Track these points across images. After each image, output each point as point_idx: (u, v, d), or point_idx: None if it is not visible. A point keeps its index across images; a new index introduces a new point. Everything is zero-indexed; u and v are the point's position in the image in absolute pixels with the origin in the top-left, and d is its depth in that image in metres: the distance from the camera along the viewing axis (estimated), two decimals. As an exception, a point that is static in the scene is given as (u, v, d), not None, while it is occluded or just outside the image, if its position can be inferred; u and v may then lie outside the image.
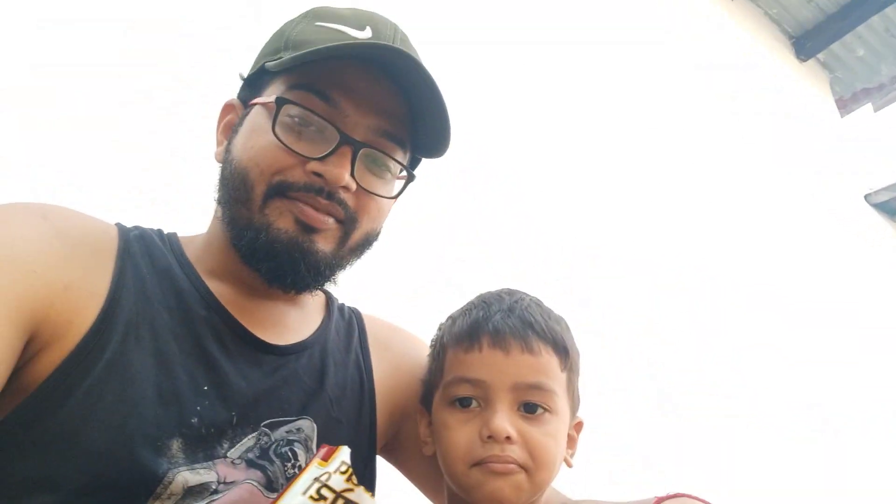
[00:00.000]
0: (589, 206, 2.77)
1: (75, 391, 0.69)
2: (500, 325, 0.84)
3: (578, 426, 0.92)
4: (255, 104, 0.85)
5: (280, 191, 0.80)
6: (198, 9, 2.03)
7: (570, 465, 0.89)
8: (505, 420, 0.80)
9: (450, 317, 0.93)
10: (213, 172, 0.91)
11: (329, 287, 0.92)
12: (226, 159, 0.86)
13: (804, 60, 4.30)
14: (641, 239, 2.85)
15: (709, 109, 3.50)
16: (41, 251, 0.72)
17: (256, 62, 0.91)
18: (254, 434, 0.80)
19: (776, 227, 3.44)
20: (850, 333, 3.38)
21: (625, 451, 2.32)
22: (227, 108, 0.93)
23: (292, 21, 0.89)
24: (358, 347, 0.99)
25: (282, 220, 0.80)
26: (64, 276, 0.73)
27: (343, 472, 0.65)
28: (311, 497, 0.63)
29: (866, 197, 4.22)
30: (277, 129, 0.80)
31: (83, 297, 0.74)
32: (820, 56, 4.38)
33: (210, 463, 0.75)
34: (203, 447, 0.75)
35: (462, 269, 2.06)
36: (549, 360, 0.84)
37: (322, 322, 0.96)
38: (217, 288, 0.86)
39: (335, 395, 0.90)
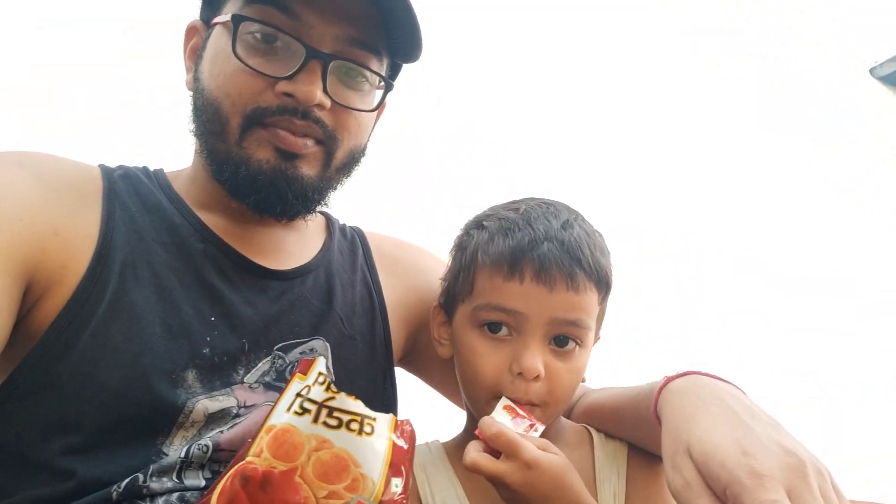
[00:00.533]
0: (573, 171, 2.76)
1: (82, 334, 0.70)
2: (546, 257, 0.78)
3: (596, 341, 0.89)
4: (216, 24, 0.81)
5: (255, 119, 0.77)
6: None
7: (583, 381, 0.88)
8: (537, 358, 0.77)
9: (481, 224, 0.86)
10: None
11: (323, 209, 0.90)
12: (196, 88, 0.82)
13: None
14: (625, 203, 2.85)
15: (694, 74, 3.48)
16: (23, 198, 0.72)
17: None
18: (268, 358, 0.80)
19: (765, 191, 3.44)
20: (846, 299, 3.42)
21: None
22: (191, 30, 0.89)
23: None
24: (364, 265, 0.98)
25: (261, 151, 0.77)
26: (51, 220, 0.73)
27: (321, 384, 0.64)
28: (296, 412, 0.62)
29: (871, 71, 3.95)
30: (239, 51, 0.76)
31: (75, 239, 0.74)
32: None
33: (228, 389, 0.76)
34: (218, 375, 0.76)
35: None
36: (591, 296, 0.81)
37: (324, 244, 0.95)
38: (210, 219, 0.84)
39: (345, 313, 0.90)
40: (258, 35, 0.76)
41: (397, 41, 0.82)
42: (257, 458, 0.60)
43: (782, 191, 3.58)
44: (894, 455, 2.90)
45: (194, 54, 0.86)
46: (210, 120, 0.79)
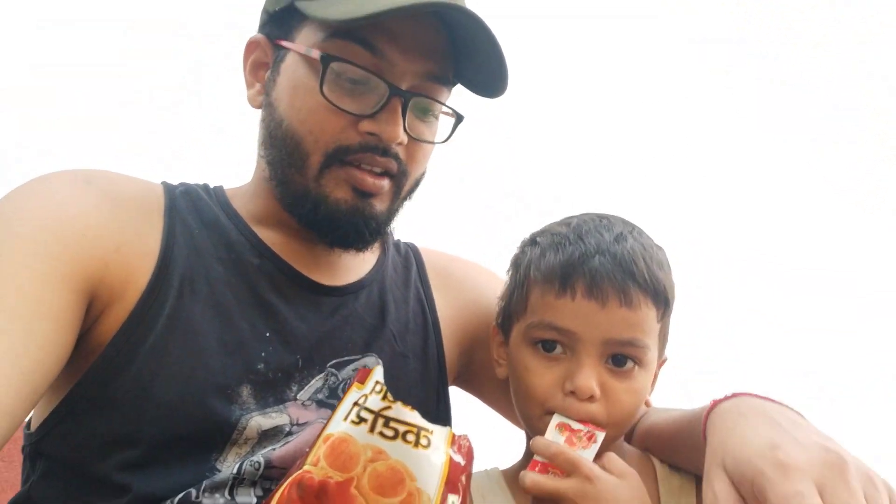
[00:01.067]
0: (581, 179, 2.75)
1: (140, 349, 0.71)
2: (597, 271, 0.75)
3: (661, 363, 0.86)
4: (291, 50, 0.81)
5: (336, 157, 0.78)
6: (198, 8, 2.00)
7: (648, 405, 0.85)
8: (591, 377, 0.74)
9: (535, 240, 0.84)
10: (214, 172, 0.90)
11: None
12: (270, 115, 0.82)
13: None
14: (634, 213, 2.84)
15: (703, 83, 3.48)
16: (89, 215, 0.73)
17: (272, 3, 0.85)
18: (321, 375, 0.80)
19: (770, 198, 3.43)
20: (846, 300, 3.40)
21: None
22: (252, 44, 0.87)
23: None
24: (417, 281, 0.98)
25: (339, 191, 0.79)
26: (115, 237, 0.74)
27: (378, 392, 0.63)
28: (353, 421, 0.61)
29: None
30: (326, 90, 0.76)
31: (136, 256, 0.75)
32: None
33: (281, 406, 0.76)
34: (272, 392, 0.76)
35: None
36: (648, 313, 0.76)
37: (378, 260, 0.95)
38: (266, 235, 0.85)
39: (398, 330, 0.89)
40: (345, 75, 0.76)
41: (478, 75, 0.84)
42: (314, 466, 0.59)
43: (786, 194, 3.57)
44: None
45: (257, 71, 0.86)
46: (290, 153, 0.79)
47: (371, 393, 0.63)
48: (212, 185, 0.91)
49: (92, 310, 0.71)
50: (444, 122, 0.87)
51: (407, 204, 0.89)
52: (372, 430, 0.60)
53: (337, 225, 0.80)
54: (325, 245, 0.85)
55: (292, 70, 0.80)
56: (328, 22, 0.76)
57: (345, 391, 0.70)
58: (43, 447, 0.74)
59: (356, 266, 0.92)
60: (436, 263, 1.02)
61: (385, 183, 0.80)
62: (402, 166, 0.81)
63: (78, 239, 0.70)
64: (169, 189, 0.85)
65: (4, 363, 0.61)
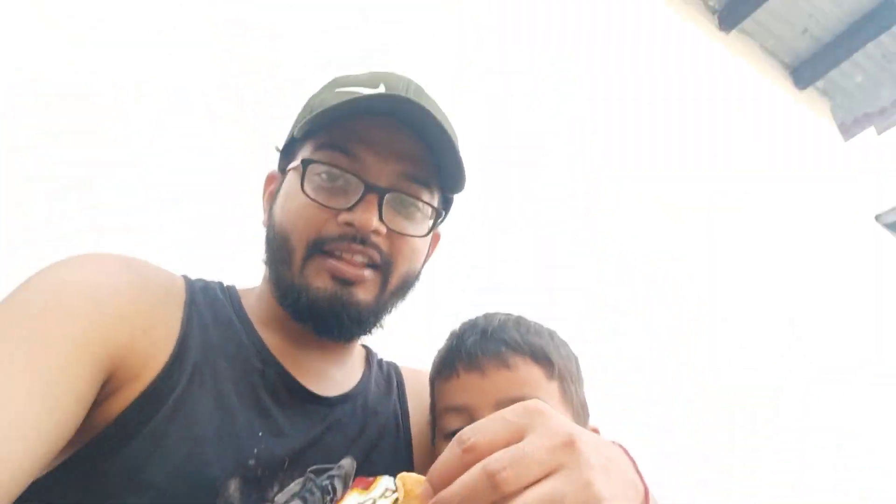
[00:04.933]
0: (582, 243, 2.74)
1: (143, 429, 0.72)
2: (471, 347, 0.83)
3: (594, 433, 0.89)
4: (289, 170, 0.92)
5: (317, 247, 0.85)
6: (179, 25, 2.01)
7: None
8: None
9: (438, 351, 0.92)
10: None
11: (376, 332, 0.94)
12: (269, 225, 0.92)
13: (803, 89, 4.30)
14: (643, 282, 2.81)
15: (709, 145, 3.50)
16: (127, 298, 0.76)
17: (288, 135, 0.97)
18: (300, 479, 0.82)
19: (786, 257, 3.42)
20: (866, 362, 3.39)
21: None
22: (270, 178, 1.00)
23: (317, 92, 0.96)
24: (396, 398, 1.03)
25: (319, 279, 0.84)
26: (145, 321, 0.77)
27: (387, 497, 0.62)
28: None
29: (877, 217, 4.24)
30: (307, 188, 0.85)
31: (159, 341, 0.77)
32: (819, 84, 4.37)
33: None
34: (257, 489, 0.77)
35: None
36: (530, 371, 0.81)
37: (363, 374, 1.00)
38: (270, 339, 0.90)
39: (373, 439, 0.93)
40: (323, 175, 0.86)
41: (446, 176, 0.92)
42: None
43: (805, 251, 3.57)
44: None
45: (271, 198, 0.96)
46: (279, 248, 0.87)
47: (380, 497, 0.63)
48: (226, 284, 0.96)
49: (107, 387, 0.72)
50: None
51: (399, 303, 0.93)
52: None
53: (318, 312, 0.84)
54: (314, 338, 0.89)
55: (287, 184, 0.91)
56: (303, 127, 0.87)
57: (326, 496, 0.76)
58: None
59: (345, 378, 0.97)
60: (414, 381, 1.07)
61: (367, 273, 0.86)
62: (385, 257, 0.87)
63: (113, 319, 0.72)
64: (189, 283, 0.89)
65: (21, 437, 0.61)
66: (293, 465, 0.82)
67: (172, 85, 1.85)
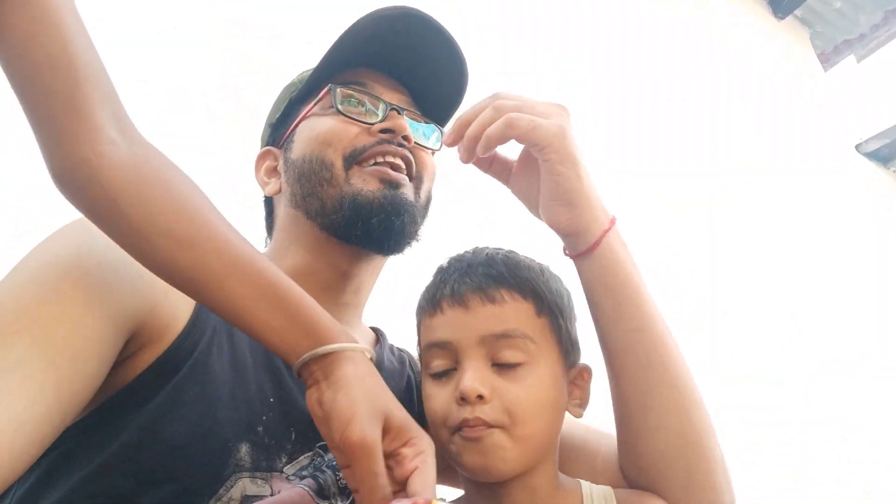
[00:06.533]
0: None
1: (162, 388, 0.73)
2: (457, 284, 0.80)
3: (585, 373, 0.84)
4: (297, 124, 0.96)
5: (354, 158, 0.89)
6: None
7: (576, 415, 0.84)
8: (475, 378, 0.74)
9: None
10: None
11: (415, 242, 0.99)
12: (292, 166, 0.94)
13: (782, 18, 4.29)
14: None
15: (690, 76, 3.49)
16: None
17: (272, 114, 1.02)
18: (309, 454, 0.82)
19: (787, 250, 3.39)
20: (869, 355, 3.37)
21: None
22: (264, 155, 1.02)
23: (303, 73, 1.01)
24: (413, 381, 1.03)
25: (369, 184, 0.88)
26: (164, 284, 0.74)
27: None
28: None
29: (857, 147, 4.23)
30: (340, 107, 0.91)
31: (180, 302, 0.77)
32: (797, 12, 4.35)
33: (267, 475, 0.77)
34: (266, 456, 0.78)
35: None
36: (517, 306, 0.78)
37: (377, 353, 1.00)
38: None
39: None
40: (350, 99, 0.92)
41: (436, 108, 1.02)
42: None
43: (786, 187, 3.56)
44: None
45: (272, 172, 1.00)
46: (316, 171, 0.90)
47: None
48: None
49: (128, 347, 0.73)
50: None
51: (424, 223, 0.98)
52: None
53: (373, 211, 0.87)
54: (365, 250, 0.92)
55: (304, 128, 0.95)
56: (320, 67, 0.95)
57: (337, 474, 0.78)
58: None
59: None
60: None
61: (406, 178, 0.91)
62: (415, 165, 0.93)
63: (135, 279, 0.72)
64: None
65: (41, 401, 0.61)
66: (301, 437, 0.82)
67: (172, 85, 1.86)
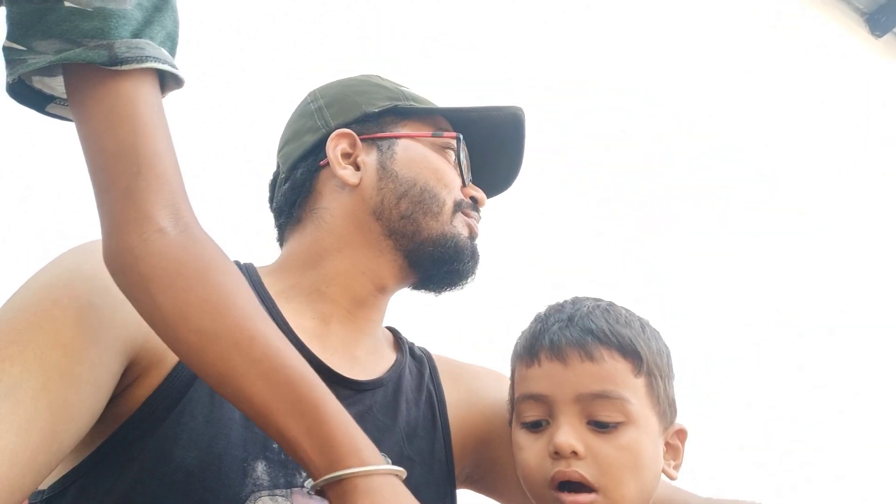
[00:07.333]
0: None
1: (170, 413, 0.72)
2: (556, 337, 0.80)
3: (680, 434, 0.84)
4: (402, 137, 0.97)
5: (458, 207, 0.95)
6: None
7: (672, 477, 0.83)
8: (569, 434, 0.74)
9: (521, 332, 0.90)
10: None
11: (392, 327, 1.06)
12: (392, 182, 0.93)
13: (879, 36, 4.13)
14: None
15: (787, 97, 3.40)
16: None
17: (365, 101, 0.98)
18: None
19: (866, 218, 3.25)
20: None
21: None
22: (343, 135, 0.95)
23: (383, 79, 1.03)
24: (430, 383, 1.01)
25: (465, 231, 0.95)
26: None
27: None
28: None
29: None
30: (462, 159, 0.99)
31: None
32: None
33: (287, 491, 0.77)
34: (284, 472, 0.77)
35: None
36: (616, 365, 0.78)
37: (396, 361, 0.98)
38: (293, 317, 0.88)
39: (407, 432, 0.91)
40: (451, 153, 0.99)
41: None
42: None
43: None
44: None
45: (349, 158, 0.95)
46: (426, 201, 0.93)
47: None
48: (242, 262, 0.93)
49: (129, 374, 0.72)
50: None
51: None
52: None
53: (461, 258, 0.94)
54: (414, 282, 0.98)
55: (414, 150, 0.96)
56: (444, 112, 1.02)
57: None
58: None
59: (375, 362, 0.95)
60: (447, 366, 1.06)
61: None
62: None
63: (125, 305, 0.68)
64: None
65: (35, 428, 0.61)
66: None
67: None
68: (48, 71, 0.62)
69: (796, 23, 3.69)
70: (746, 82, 3.25)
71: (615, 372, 0.77)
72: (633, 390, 0.78)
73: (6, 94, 0.64)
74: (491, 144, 1.03)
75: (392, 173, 0.94)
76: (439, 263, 0.93)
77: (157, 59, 0.61)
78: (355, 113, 0.97)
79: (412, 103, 0.98)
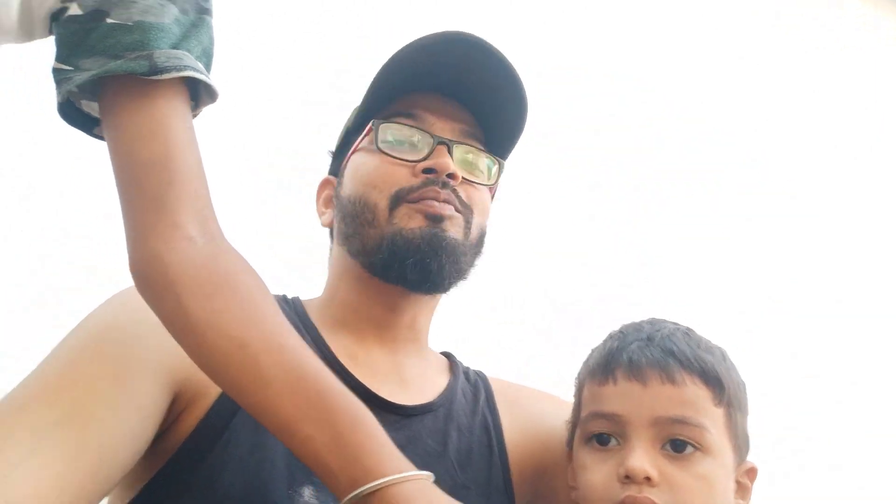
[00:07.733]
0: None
1: (216, 444, 0.73)
2: (635, 355, 0.77)
3: (751, 473, 0.82)
4: (353, 153, 0.94)
5: (400, 198, 0.87)
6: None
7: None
8: (644, 458, 0.72)
9: (592, 350, 0.88)
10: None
11: (461, 285, 0.95)
12: (340, 204, 0.94)
13: None
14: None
15: (778, 81, 3.38)
16: None
17: (339, 139, 1.01)
18: None
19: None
20: None
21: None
22: (324, 183, 1.02)
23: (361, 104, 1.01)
24: (485, 408, 0.98)
25: (412, 221, 0.86)
26: None
27: None
28: None
29: None
30: (381, 146, 0.89)
31: None
32: None
33: None
34: (333, 497, 0.74)
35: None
36: (697, 391, 0.75)
37: (448, 385, 0.96)
38: (337, 344, 0.88)
39: (459, 460, 0.89)
40: (393, 134, 0.91)
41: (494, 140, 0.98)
42: None
43: None
44: None
45: (329, 202, 1.00)
46: (359, 212, 0.89)
47: None
48: (289, 297, 0.96)
49: (174, 407, 0.74)
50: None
51: (477, 261, 0.95)
52: None
53: (414, 248, 0.85)
54: (403, 290, 0.89)
55: (352, 164, 0.94)
56: (365, 102, 0.95)
57: None
58: None
59: (424, 386, 0.93)
60: (504, 390, 1.03)
61: (451, 209, 0.87)
62: (464, 201, 0.89)
63: (169, 339, 0.71)
64: None
65: (84, 457, 0.62)
66: None
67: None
68: (92, 94, 0.63)
69: (784, 7, 3.68)
70: (737, 66, 3.24)
71: (696, 398, 0.75)
72: (712, 419, 0.75)
73: (57, 114, 0.65)
74: (465, 77, 0.92)
75: (339, 199, 0.95)
76: (397, 265, 0.86)
77: (195, 69, 0.62)
78: (330, 156, 1.03)
79: (352, 119, 0.98)
